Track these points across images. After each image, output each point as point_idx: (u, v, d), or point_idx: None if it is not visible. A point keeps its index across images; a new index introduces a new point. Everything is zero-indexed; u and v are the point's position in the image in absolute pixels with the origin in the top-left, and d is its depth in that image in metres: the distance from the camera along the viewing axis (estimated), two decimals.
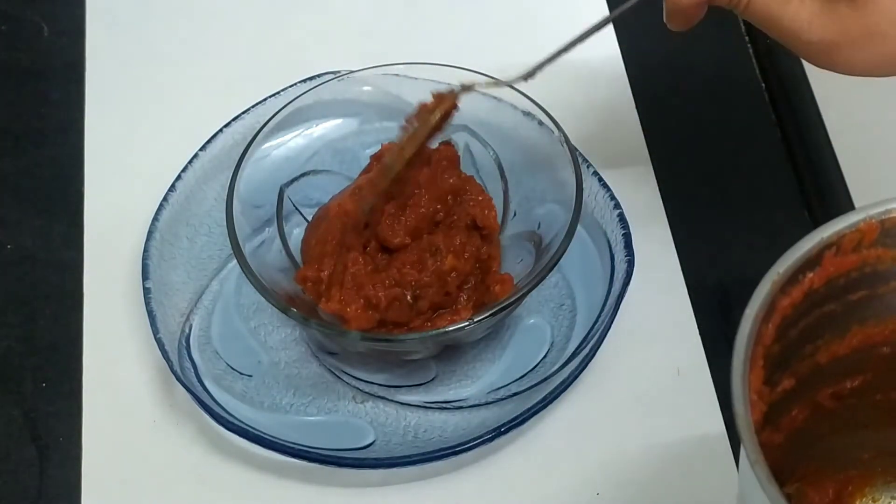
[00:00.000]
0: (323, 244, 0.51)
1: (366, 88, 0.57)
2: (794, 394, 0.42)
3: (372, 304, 0.49)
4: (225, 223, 0.52)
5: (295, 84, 0.59)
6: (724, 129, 0.63)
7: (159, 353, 0.52)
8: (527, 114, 0.55)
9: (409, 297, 0.50)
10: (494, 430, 0.50)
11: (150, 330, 0.52)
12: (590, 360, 0.52)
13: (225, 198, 0.52)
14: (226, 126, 0.58)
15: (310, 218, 0.55)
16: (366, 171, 0.54)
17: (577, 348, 0.52)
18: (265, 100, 0.59)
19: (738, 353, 0.36)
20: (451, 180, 0.52)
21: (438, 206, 0.51)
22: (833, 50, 0.46)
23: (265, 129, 0.54)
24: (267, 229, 0.54)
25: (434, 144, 0.52)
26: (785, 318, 0.39)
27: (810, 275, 0.39)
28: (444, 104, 0.49)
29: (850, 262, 0.40)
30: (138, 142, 0.62)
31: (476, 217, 0.52)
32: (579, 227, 0.52)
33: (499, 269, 0.52)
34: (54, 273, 0.58)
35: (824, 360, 0.42)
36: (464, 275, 0.51)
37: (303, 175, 0.56)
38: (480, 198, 0.52)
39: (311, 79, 0.59)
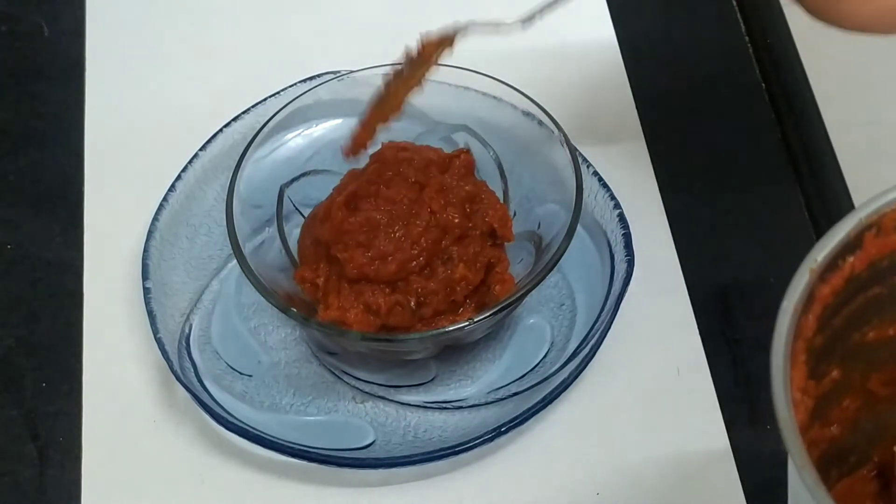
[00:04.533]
0: (319, 245, 0.51)
1: (366, 88, 0.57)
2: (844, 384, 0.39)
3: (372, 310, 0.49)
4: (225, 223, 0.52)
5: (295, 84, 0.59)
6: (724, 128, 0.62)
7: (159, 353, 0.52)
8: (527, 114, 0.55)
9: (412, 304, 0.49)
10: (494, 430, 0.50)
11: (150, 330, 0.52)
12: (590, 360, 0.52)
13: (225, 198, 0.52)
14: (226, 126, 0.58)
15: None
16: (365, 170, 0.54)
17: (577, 348, 0.52)
18: (265, 100, 0.59)
19: (777, 350, 0.34)
20: (468, 188, 0.51)
21: (457, 221, 0.50)
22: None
23: (265, 129, 0.54)
24: (267, 229, 0.54)
25: (442, 147, 0.52)
26: (826, 307, 0.36)
27: (851, 259, 0.36)
28: (444, 44, 0.49)
29: (894, 243, 0.37)
30: (138, 142, 0.62)
31: (496, 227, 0.51)
32: (579, 227, 0.52)
33: (504, 271, 0.52)
34: (54, 273, 0.58)
35: (873, 345, 0.39)
36: (473, 285, 0.51)
37: (303, 175, 0.56)
38: (498, 206, 0.52)
39: (311, 79, 0.59)
